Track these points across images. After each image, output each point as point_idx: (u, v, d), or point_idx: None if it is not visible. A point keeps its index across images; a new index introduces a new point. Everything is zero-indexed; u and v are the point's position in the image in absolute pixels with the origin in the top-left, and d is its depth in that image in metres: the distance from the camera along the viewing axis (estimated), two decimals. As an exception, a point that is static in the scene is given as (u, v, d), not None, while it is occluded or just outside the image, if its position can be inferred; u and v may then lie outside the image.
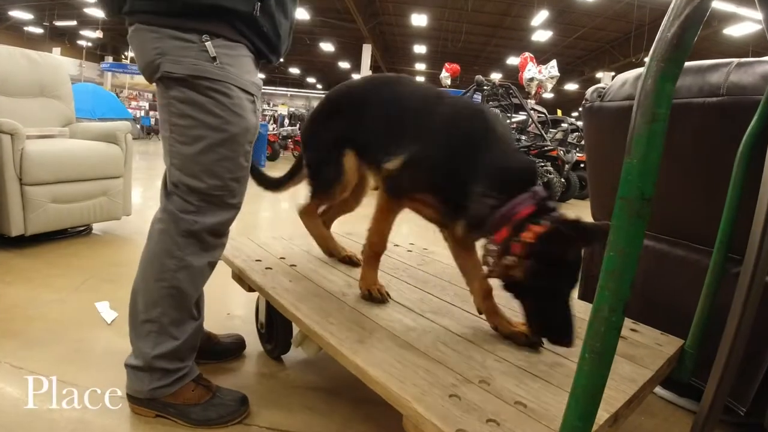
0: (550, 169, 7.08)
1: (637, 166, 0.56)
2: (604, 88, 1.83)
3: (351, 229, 2.20)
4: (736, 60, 1.50)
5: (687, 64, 1.58)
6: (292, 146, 12.11)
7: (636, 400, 1.08)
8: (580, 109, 1.95)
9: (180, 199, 1.30)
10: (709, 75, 1.51)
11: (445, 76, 12.93)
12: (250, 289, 1.58)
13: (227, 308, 2.20)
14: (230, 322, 2.06)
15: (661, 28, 0.59)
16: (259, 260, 1.71)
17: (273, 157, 10.66)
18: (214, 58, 1.22)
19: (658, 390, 1.72)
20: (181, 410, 1.35)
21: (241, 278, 1.62)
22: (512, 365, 1.12)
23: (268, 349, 1.75)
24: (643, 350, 1.30)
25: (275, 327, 1.68)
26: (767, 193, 1.05)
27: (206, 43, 1.21)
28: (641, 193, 0.57)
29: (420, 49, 22.27)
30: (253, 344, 1.82)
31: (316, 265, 1.72)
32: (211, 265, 1.39)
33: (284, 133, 12.33)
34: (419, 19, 16.91)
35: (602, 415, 0.92)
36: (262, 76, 1.80)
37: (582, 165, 9.88)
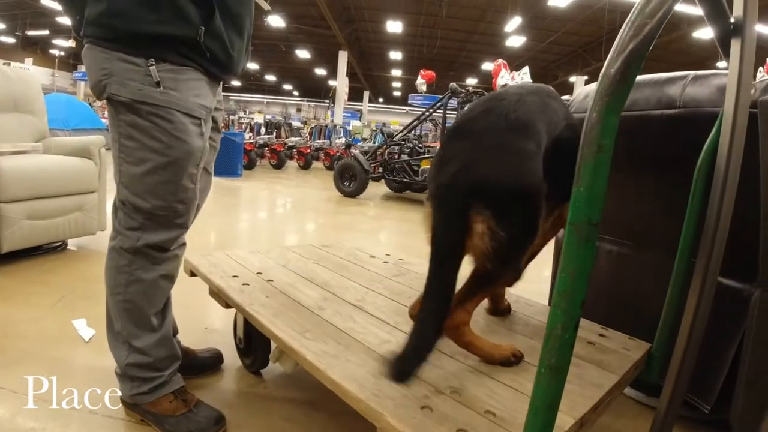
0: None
1: (585, 194, 0.60)
2: (567, 100, 1.90)
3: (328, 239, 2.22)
4: (692, 73, 1.58)
5: (645, 77, 1.66)
6: (269, 155, 12.03)
7: (602, 404, 1.12)
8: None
9: (126, 217, 1.36)
10: (667, 87, 1.58)
11: (421, 83, 13.05)
12: (228, 306, 1.60)
13: (205, 323, 2.21)
14: (208, 336, 2.07)
15: (606, 63, 0.63)
16: (236, 276, 1.73)
17: (250, 166, 10.58)
18: (158, 83, 1.24)
19: (627, 390, 1.77)
20: (158, 419, 1.40)
21: (218, 295, 1.64)
22: (483, 374, 1.16)
23: (246, 363, 1.77)
24: (611, 355, 1.34)
25: (253, 342, 1.70)
26: (716, 199, 1.11)
27: (150, 68, 1.24)
28: (589, 219, 0.61)
29: (396, 55, 22.41)
30: (232, 358, 1.83)
31: (292, 279, 1.75)
32: (166, 278, 1.42)
33: (261, 142, 12.26)
34: (394, 26, 17.03)
35: (568, 420, 0.96)
36: (237, 83, 1.77)
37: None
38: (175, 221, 1.37)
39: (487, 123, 1.14)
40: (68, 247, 3.33)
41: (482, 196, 1.04)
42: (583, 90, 1.86)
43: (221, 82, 1.47)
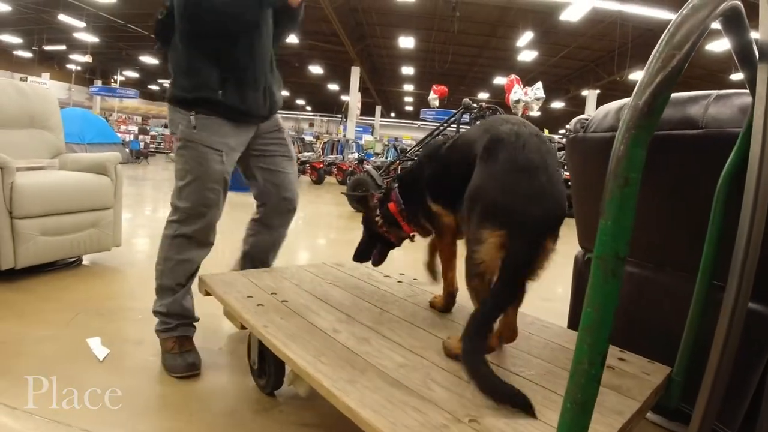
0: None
1: (612, 227, 0.59)
2: (587, 120, 1.88)
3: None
4: (714, 93, 1.55)
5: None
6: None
7: (624, 432, 1.10)
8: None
9: (171, 213, 1.95)
10: (689, 107, 1.55)
11: (433, 98, 13.10)
12: (243, 327, 1.59)
13: (219, 342, 2.21)
14: (222, 357, 2.06)
15: (633, 95, 0.62)
16: (251, 296, 1.72)
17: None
18: (194, 127, 1.86)
19: (647, 414, 1.73)
20: (162, 351, 1.94)
21: (232, 315, 1.63)
22: (502, 402, 1.14)
23: (260, 384, 1.75)
24: (630, 380, 1.31)
25: (267, 363, 1.68)
26: (746, 222, 1.08)
27: (191, 117, 1.86)
28: (615, 252, 0.60)
29: (408, 70, 22.51)
30: (246, 379, 1.83)
31: (307, 300, 1.74)
32: (188, 262, 1.95)
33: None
34: (406, 42, 17.11)
35: (590, 452, 0.94)
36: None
37: (569, 183, 9.98)
38: (200, 219, 1.91)
39: (542, 159, 1.30)
40: (83, 263, 3.35)
41: (559, 223, 1.30)
42: (601, 109, 1.83)
43: (254, 123, 2.03)
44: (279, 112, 2.15)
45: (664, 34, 0.63)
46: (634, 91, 0.62)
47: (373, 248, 1.90)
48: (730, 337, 1.14)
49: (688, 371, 1.38)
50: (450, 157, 1.57)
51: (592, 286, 0.62)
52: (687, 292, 1.38)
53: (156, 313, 1.97)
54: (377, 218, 1.80)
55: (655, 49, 0.62)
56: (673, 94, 1.60)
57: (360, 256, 1.93)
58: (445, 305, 1.79)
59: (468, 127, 7.65)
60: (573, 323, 1.86)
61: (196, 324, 2.03)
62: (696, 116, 1.51)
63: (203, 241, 1.95)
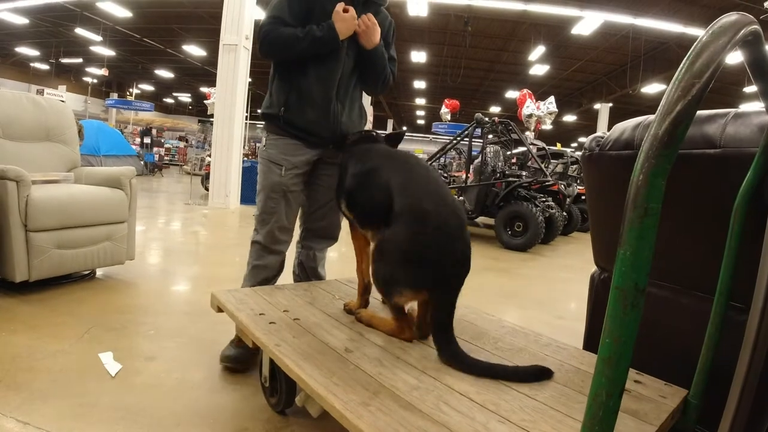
0: (552, 204, 7.10)
1: (631, 258, 0.58)
2: (602, 137, 1.86)
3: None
4: (732, 111, 1.53)
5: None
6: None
7: (641, 460, 1.08)
8: (582, 151, 1.97)
9: (255, 221, 2.23)
10: (707, 126, 1.53)
11: (445, 112, 13.14)
12: (254, 345, 1.58)
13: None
14: (234, 374, 2.05)
15: (653, 124, 0.61)
16: (263, 314, 1.72)
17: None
18: (266, 145, 2.20)
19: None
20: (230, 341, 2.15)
21: (244, 333, 1.63)
22: (515, 426, 1.12)
23: (271, 403, 1.75)
24: (647, 404, 1.29)
25: (279, 381, 1.68)
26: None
27: (265, 137, 2.23)
28: (635, 283, 0.59)
29: (419, 84, 22.59)
30: (258, 397, 1.82)
31: (319, 319, 1.73)
32: (260, 267, 2.22)
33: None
34: (418, 56, 17.21)
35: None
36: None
37: (583, 197, 9.92)
38: (265, 226, 2.18)
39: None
40: (97, 276, 3.37)
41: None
42: (618, 127, 1.81)
43: (317, 144, 2.18)
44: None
45: (683, 62, 0.62)
46: (655, 120, 0.61)
47: None
48: (754, 360, 1.12)
49: (705, 393, 1.35)
50: (367, 182, 1.72)
51: (610, 317, 0.61)
52: (704, 312, 1.36)
53: None
54: None
55: (674, 77, 0.62)
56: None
57: None
58: (363, 302, 1.89)
59: (480, 141, 7.67)
60: (588, 344, 1.83)
61: None
62: (714, 135, 1.49)
63: (269, 247, 2.18)
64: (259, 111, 2.33)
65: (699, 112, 1.58)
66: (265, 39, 2.06)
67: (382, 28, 2.19)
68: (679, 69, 0.62)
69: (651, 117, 1.67)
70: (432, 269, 1.49)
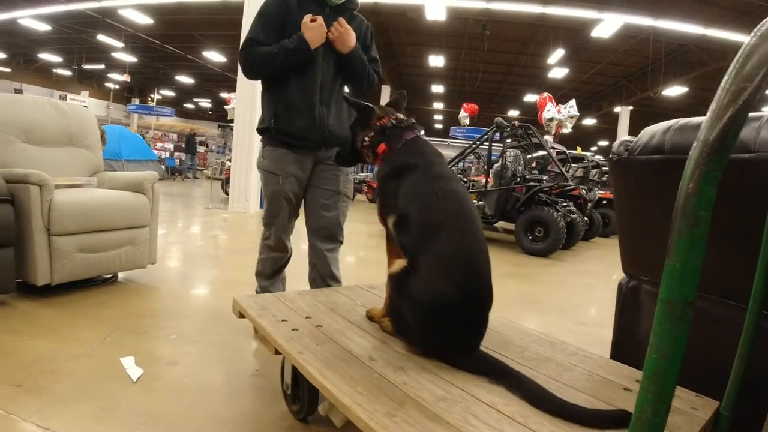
0: (573, 209, 7.01)
1: (680, 270, 0.56)
2: (631, 142, 1.82)
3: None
4: (766, 115, 1.49)
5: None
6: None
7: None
8: (608, 154, 1.93)
9: (261, 222, 2.52)
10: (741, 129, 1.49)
11: (464, 116, 13.08)
12: (277, 352, 1.57)
13: (254, 365, 2.20)
14: (256, 380, 2.05)
15: (702, 129, 0.58)
16: (285, 320, 1.70)
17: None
18: (263, 157, 2.41)
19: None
20: None
21: (266, 340, 1.61)
22: (545, 439, 1.09)
23: (293, 410, 1.73)
24: (679, 417, 1.25)
25: (301, 388, 1.66)
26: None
27: (261, 148, 2.44)
28: (684, 296, 0.56)
29: (438, 88, 22.52)
30: (280, 404, 1.81)
31: (341, 326, 1.71)
32: (268, 260, 2.53)
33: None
34: (436, 60, 17.15)
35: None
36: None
37: (604, 202, 9.80)
38: (270, 228, 2.46)
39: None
40: (119, 279, 3.39)
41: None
42: (647, 131, 1.77)
43: (310, 149, 2.36)
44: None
45: (732, 66, 0.59)
46: (704, 126, 0.58)
47: (350, 155, 1.95)
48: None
49: (737, 405, 1.31)
50: (422, 214, 1.57)
51: (657, 332, 0.58)
52: (737, 321, 1.32)
53: (257, 291, 2.59)
54: (368, 137, 1.80)
55: (723, 81, 0.59)
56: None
57: (339, 158, 2.02)
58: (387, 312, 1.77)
59: (499, 145, 7.62)
60: (616, 354, 1.79)
61: None
62: (748, 139, 1.45)
63: (275, 247, 2.48)
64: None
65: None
66: (245, 61, 2.26)
67: (359, 32, 2.34)
68: (728, 73, 0.59)
69: (682, 121, 1.63)
70: (446, 339, 1.47)
